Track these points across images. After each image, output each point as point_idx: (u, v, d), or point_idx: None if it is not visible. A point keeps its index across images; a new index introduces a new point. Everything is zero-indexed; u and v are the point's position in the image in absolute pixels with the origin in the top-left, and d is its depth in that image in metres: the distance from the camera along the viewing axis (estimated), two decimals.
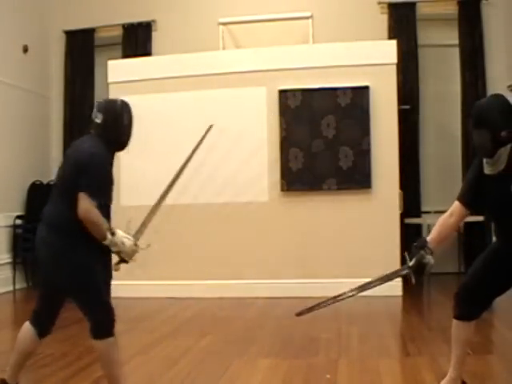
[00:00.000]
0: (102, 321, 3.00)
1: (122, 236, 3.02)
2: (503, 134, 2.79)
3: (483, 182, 2.96)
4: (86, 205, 2.90)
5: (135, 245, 3.08)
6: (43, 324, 3.15)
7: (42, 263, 3.12)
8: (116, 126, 3.12)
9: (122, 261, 3.12)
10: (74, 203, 2.92)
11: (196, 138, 6.61)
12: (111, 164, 3.13)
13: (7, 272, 7.24)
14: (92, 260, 3.04)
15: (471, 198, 3.03)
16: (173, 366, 3.99)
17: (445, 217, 3.06)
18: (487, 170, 2.93)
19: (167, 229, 6.62)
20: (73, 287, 3.02)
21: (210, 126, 4.14)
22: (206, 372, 3.89)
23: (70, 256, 2.99)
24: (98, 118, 3.12)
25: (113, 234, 2.97)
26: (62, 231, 3.00)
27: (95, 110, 3.15)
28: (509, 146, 2.83)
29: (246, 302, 6.15)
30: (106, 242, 2.95)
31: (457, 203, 3.05)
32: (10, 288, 7.20)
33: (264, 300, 6.16)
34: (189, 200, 6.56)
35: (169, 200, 6.48)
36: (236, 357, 4.15)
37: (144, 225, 3.38)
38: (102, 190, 3.02)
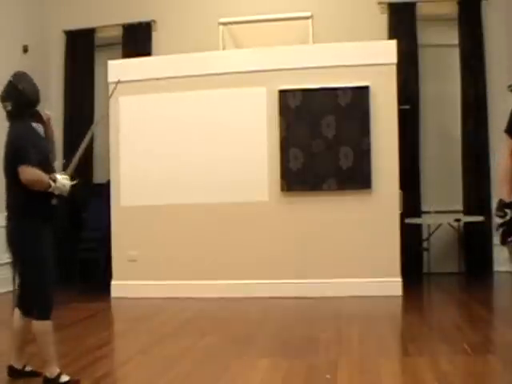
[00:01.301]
0: (45, 306, 3.42)
1: (62, 178, 3.44)
2: None
3: None
4: (24, 172, 3.30)
5: (71, 181, 3.52)
6: (25, 304, 3.54)
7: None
8: (27, 100, 3.49)
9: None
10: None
11: (196, 138, 6.68)
12: (32, 128, 3.53)
13: (7, 272, 7.23)
14: (48, 251, 3.44)
15: None
16: (173, 365, 4.00)
17: (504, 168, 3.03)
18: None
19: (167, 229, 6.64)
20: (29, 272, 3.44)
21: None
22: (206, 372, 3.89)
23: (31, 245, 3.39)
24: (8, 106, 3.46)
25: (54, 181, 3.39)
26: (22, 217, 3.40)
27: (1, 103, 3.47)
28: None
29: (246, 302, 6.15)
30: (51, 190, 3.38)
31: (506, 138, 3.05)
32: (10, 288, 7.19)
33: (264, 300, 6.16)
34: (189, 200, 6.57)
35: (169, 200, 6.63)
36: (236, 357, 4.15)
37: (73, 165, 3.70)
38: (30, 152, 3.36)
